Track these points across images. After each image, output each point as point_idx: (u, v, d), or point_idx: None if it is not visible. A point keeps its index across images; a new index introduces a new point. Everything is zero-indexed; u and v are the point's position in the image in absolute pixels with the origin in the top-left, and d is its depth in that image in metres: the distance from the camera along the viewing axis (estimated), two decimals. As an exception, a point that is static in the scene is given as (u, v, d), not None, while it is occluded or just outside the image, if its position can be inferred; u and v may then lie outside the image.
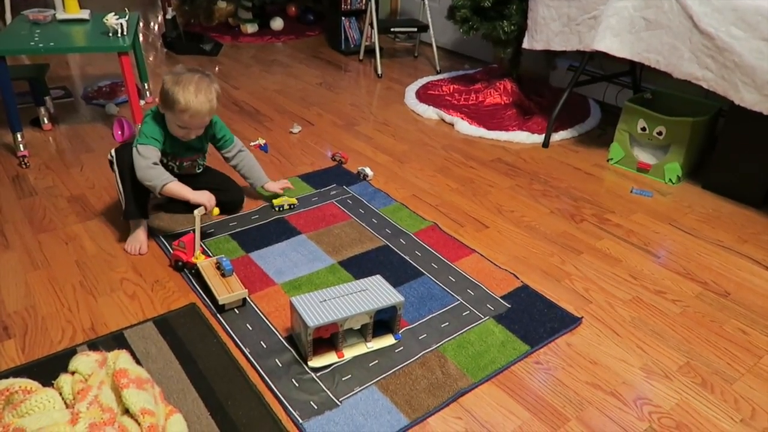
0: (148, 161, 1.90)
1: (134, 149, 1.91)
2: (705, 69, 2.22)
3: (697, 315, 1.81)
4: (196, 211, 1.87)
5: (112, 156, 2.03)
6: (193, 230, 1.90)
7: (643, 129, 2.63)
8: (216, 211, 1.98)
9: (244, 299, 1.77)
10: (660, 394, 1.52)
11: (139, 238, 2.01)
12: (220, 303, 1.71)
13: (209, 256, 1.94)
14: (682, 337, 1.72)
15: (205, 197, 1.94)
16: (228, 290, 1.73)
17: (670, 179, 2.60)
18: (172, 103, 1.87)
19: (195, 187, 2.08)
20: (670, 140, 2.56)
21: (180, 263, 1.89)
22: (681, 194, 2.54)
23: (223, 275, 1.78)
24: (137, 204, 1.99)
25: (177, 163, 2.09)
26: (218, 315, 1.71)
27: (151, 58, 4.21)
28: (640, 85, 3.19)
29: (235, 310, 1.74)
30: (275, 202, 2.26)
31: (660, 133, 2.57)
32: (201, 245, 1.93)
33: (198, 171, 2.18)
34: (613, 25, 2.44)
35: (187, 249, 1.88)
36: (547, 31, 2.74)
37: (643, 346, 1.68)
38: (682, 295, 1.90)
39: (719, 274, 2.01)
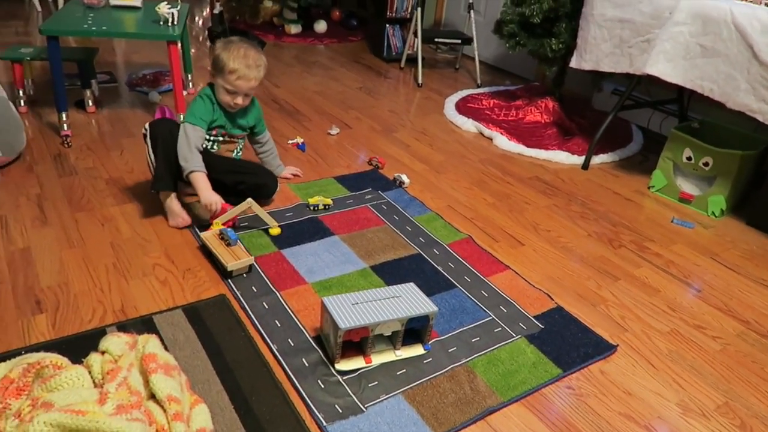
0: (191, 144, 1.99)
1: (183, 125, 2.00)
2: (761, 101, 2.15)
3: (738, 354, 1.74)
4: (249, 199, 1.98)
5: (146, 129, 2.06)
6: (238, 212, 2.00)
7: (689, 158, 2.56)
8: (277, 230, 2.06)
9: (251, 266, 1.84)
10: (696, 432, 1.46)
11: (176, 212, 2.05)
12: (228, 269, 1.78)
13: (227, 226, 2.00)
14: (721, 376, 1.65)
15: (212, 199, 1.97)
16: (234, 257, 1.79)
17: (713, 212, 2.53)
18: (222, 66, 1.98)
19: (228, 170, 2.13)
20: (717, 172, 2.49)
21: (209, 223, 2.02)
22: (724, 228, 2.46)
23: (228, 245, 1.84)
24: (168, 176, 2.02)
25: (222, 138, 2.14)
26: (247, 308, 1.70)
27: (194, 51, 4.25)
28: (687, 113, 3.13)
29: (264, 304, 1.72)
30: (311, 200, 2.25)
31: (706, 164, 2.51)
32: (233, 222, 2.04)
33: (234, 155, 2.23)
34: (667, 50, 2.39)
35: (217, 213, 1.97)
36: (597, 51, 2.69)
37: (680, 381, 1.62)
38: (722, 332, 1.83)
39: (762, 314, 1.93)
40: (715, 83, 2.29)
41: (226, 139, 2.17)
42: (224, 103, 2.07)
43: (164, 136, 2.00)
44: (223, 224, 1.98)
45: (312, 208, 2.25)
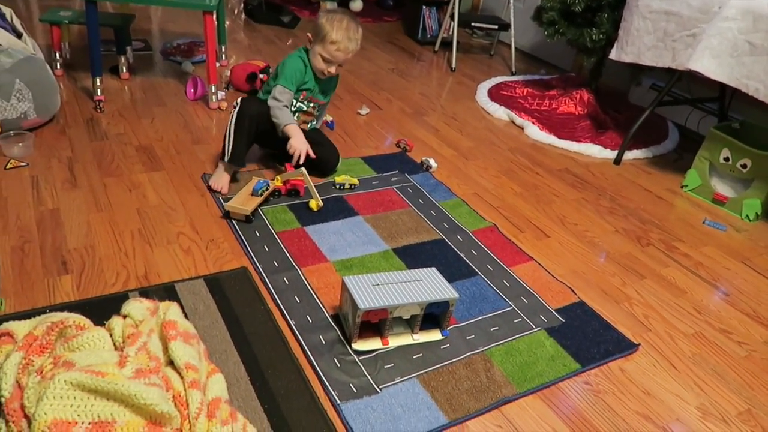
0: (280, 103, 2.14)
1: (274, 88, 2.15)
2: (809, 104, 2.07)
3: (764, 361, 1.70)
4: (302, 169, 2.10)
5: (237, 104, 2.15)
6: (295, 175, 2.13)
7: (726, 159, 2.49)
8: (315, 206, 2.09)
9: (248, 217, 1.94)
10: (715, 438, 1.43)
11: (223, 179, 2.15)
12: (225, 209, 1.96)
13: (286, 186, 2.15)
14: (744, 382, 1.61)
15: (299, 146, 2.10)
16: (240, 204, 1.94)
17: (747, 215, 2.46)
18: (324, 35, 2.10)
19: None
20: (755, 174, 2.41)
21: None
22: (758, 233, 2.39)
23: (252, 194, 2.00)
24: (244, 154, 2.17)
25: (306, 104, 2.28)
26: (268, 282, 1.70)
27: (229, 23, 4.25)
28: (728, 113, 3.03)
29: (285, 279, 1.73)
30: (337, 179, 2.24)
31: (744, 166, 2.43)
32: (294, 186, 2.15)
33: (309, 127, 2.35)
34: (713, 46, 2.30)
35: (285, 169, 2.16)
36: (639, 43, 2.62)
37: (702, 384, 1.59)
38: (748, 338, 1.79)
39: (792, 323, 1.88)
40: (761, 83, 2.21)
41: (309, 108, 2.29)
42: (317, 69, 2.19)
43: (252, 116, 2.12)
44: (284, 182, 2.13)
45: (338, 186, 2.24)
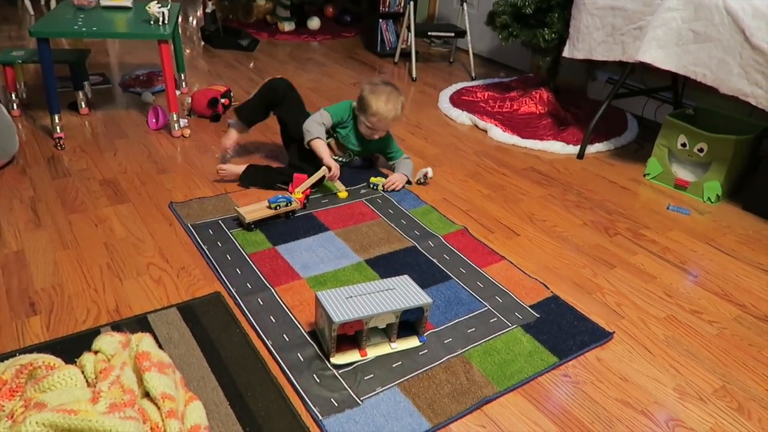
0: (317, 120, 2.35)
1: (321, 110, 2.40)
2: (754, 85, 2.14)
3: (735, 338, 1.74)
4: (323, 169, 2.25)
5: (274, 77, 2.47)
6: (317, 178, 2.24)
7: (684, 145, 2.55)
8: (344, 194, 2.34)
9: (248, 224, 2.05)
10: (694, 417, 1.46)
11: (230, 136, 2.50)
12: (235, 207, 2.11)
13: (306, 199, 2.26)
14: (718, 360, 1.65)
15: (334, 165, 2.27)
16: (247, 211, 2.06)
17: (708, 198, 2.52)
18: (366, 107, 2.32)
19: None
20: (712, 158, 2.48)
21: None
22: (720, 214, 2.46)
23: (267, 206, 2.09)
24: (252, 114, 2.45)
25: (346, 153, 2.51)
26: (242, 305, 1.69)
27: (188, 51, 4.25)
28: (681, 100, 3.12)
29: (259, 300, 1.72)
30: (373, 180, 2.45)
31: (701, 150, 2.50)
32: (309, 189, 2.27)
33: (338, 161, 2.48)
34: (659, 37, 2.37)
35: (294, 184, 2.24)
36: (590, 40, 2.68)
37: (677, 366, 1.62)
38: (719, 317, 1.83)
39: (759, 298, 1.93)
40: (708, 69, 2.28)
41: (337, 152, 2.51)
42: (364, 134, 2.41)
43: (277, 87, 2.39)
44: (302, 192, 2.22)
45: (372, 186, 2.43)
